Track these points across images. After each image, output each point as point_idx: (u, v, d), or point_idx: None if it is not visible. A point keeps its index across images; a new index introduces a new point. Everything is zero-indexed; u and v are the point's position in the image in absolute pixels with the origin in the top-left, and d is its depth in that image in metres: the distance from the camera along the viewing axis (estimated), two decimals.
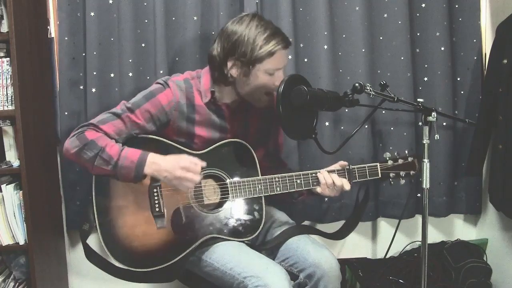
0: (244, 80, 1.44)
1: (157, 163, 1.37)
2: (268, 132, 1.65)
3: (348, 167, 1.53)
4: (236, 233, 1.47)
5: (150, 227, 1.42)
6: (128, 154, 1.37)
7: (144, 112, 1.43)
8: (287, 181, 1.49)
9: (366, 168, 1.55)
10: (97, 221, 1.40)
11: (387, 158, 1.59)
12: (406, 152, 1.62)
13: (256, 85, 1.43)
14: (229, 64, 1.43)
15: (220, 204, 1.49)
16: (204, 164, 1.39)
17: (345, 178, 1.52)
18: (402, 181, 1.60)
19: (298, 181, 1.49)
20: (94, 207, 1.40)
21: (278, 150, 1.73)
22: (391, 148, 2.05)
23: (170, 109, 1.45)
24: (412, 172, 1.59)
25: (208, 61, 1.49)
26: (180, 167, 1.35)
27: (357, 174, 1.54)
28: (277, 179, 1.48)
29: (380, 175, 1.57)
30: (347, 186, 1.50)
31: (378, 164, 1.57)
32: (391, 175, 1.58)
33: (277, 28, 1.45)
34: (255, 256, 1.41)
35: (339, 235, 1.67)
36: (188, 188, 1.40)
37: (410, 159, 1.60)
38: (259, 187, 1.47)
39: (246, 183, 1.47)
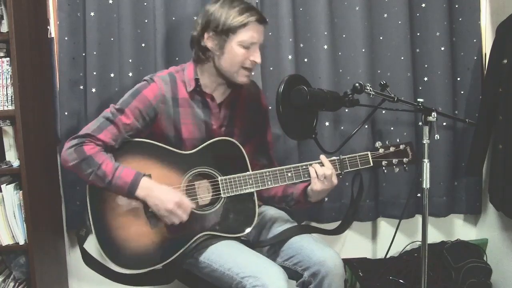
0: (220, 53, 1.45)
1: (150, 189, 1.40)
2: (255, 128, 1.65)
3: (338, 157, 1.52)
4: (230, 229, 1.47)
5: (144, 228, 1.43)
6: (122, 174, 1.39)
7: (133, 110, 1.45)
8: (278, 174, 1.48)
9: (357, 157, 1.55)
10: (92, 225, 1.41)
11: (378, 147, 1.58)
12: (398, 140, 1.62)
13: (232, 59, 1.45)
14: (206, 36, 1.46)
15: (212, 202, 1.49)
16: (193, 205, 1.43)
17: (336, 169, 1.51)
18: (396, 169, 1.58)
19: (289, 174, 1.49)
20: (89, 212, 1.42)
21: (268, 147, 1.71)
22: None
23: (157, 103, 1.47)
24: (405, 159, 1.58)
25: (190, 44, 1.53)
26: (174, 201, 1.39)
27: (348, 164, 1.53)
28: (267, 173, 1.48)
29: (371, 163, 1.56)
30: (334, 179, 1.48)
31: (369, 152, 1.56)
32: (383, 163, 1.57)
33: (252, 5, 1.49)
34: (253, 256, 1.41)
35: (338, 230, 1.66)
36: (172, 222, 1.41)
37: (402, 146, 1.59)
38: (250, 182, 1.47)
39: (237, 179, 1.47)
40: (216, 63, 1.48)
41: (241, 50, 1.44)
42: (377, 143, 1.59)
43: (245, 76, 1.49)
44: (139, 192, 1.39)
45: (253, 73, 1.51)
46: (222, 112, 1.56)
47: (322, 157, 1.50)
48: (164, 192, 1.40)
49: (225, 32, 1.43)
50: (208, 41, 1.46)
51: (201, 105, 1.53)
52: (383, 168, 1.58)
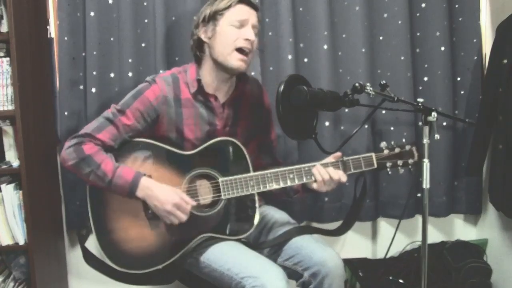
0: (213, 39, 1.47)
1: (150, 189, 1.40)
2: (258, 127, 1.65)
3: (342, 158, 1.51)
4: (231, 231, 1.47)
5: (144, 229, 1.43)
6: (122, 173, 1.39)
7: (134, 111, 1.45)
8: (279, 176, 1.47)
9: (361, 158, 1.52)
10: (93, 227, 1.42)
11: (383, 148, 1.56)
12: (404, 140, 1.60)
13: (224, 39, 1.45)
14: (200, 31, 1.49)
15: (213, 203, 1.48)
16: (194, 203, 1.42)
17: (340, 170, 1.49)
18: (401, 171, 1.56)
19: (291, 175, 1.47)
20: (90, 214, 1.42)
21: (272, 145, 1.71)
22: None
23: (158, 104, 1.47)
24: (410, 161, 1.55)
25: (190, 48, 1.55)
26: (172, 203, 1.38)
27: (351, 166, 1.51)
28: (269, 175, 1.46)
29: (376, 165, 1.53)
30: (343, 178, 1.47)
31: (373, 154, 1.54)
32: (388, 164, 1.54)
33: None
34: (252, 257, 1.41)
35: (339, 231, 1.65)
36: (172, 222, 1.42)
37: (407, 147, 1.55)
38: (251, 183, 1.46)
39: (238, 181, 1.46)
40: (212, 53, 1.48)
41: (233, 29, 1.45)
42: (382, 144, 1.56)
43: (239, 60, 1.46)
44: (139, 192, 1.40)
45: (248, 59, 1.48)
46: (226, 112, 1.55)
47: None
48: (164, 192, 1.40)
49: (213, 16, 1.46)
50: (202, 33, 1.49)
51: (205, 106, 1.52)
52: (388, 169, 1.55)
